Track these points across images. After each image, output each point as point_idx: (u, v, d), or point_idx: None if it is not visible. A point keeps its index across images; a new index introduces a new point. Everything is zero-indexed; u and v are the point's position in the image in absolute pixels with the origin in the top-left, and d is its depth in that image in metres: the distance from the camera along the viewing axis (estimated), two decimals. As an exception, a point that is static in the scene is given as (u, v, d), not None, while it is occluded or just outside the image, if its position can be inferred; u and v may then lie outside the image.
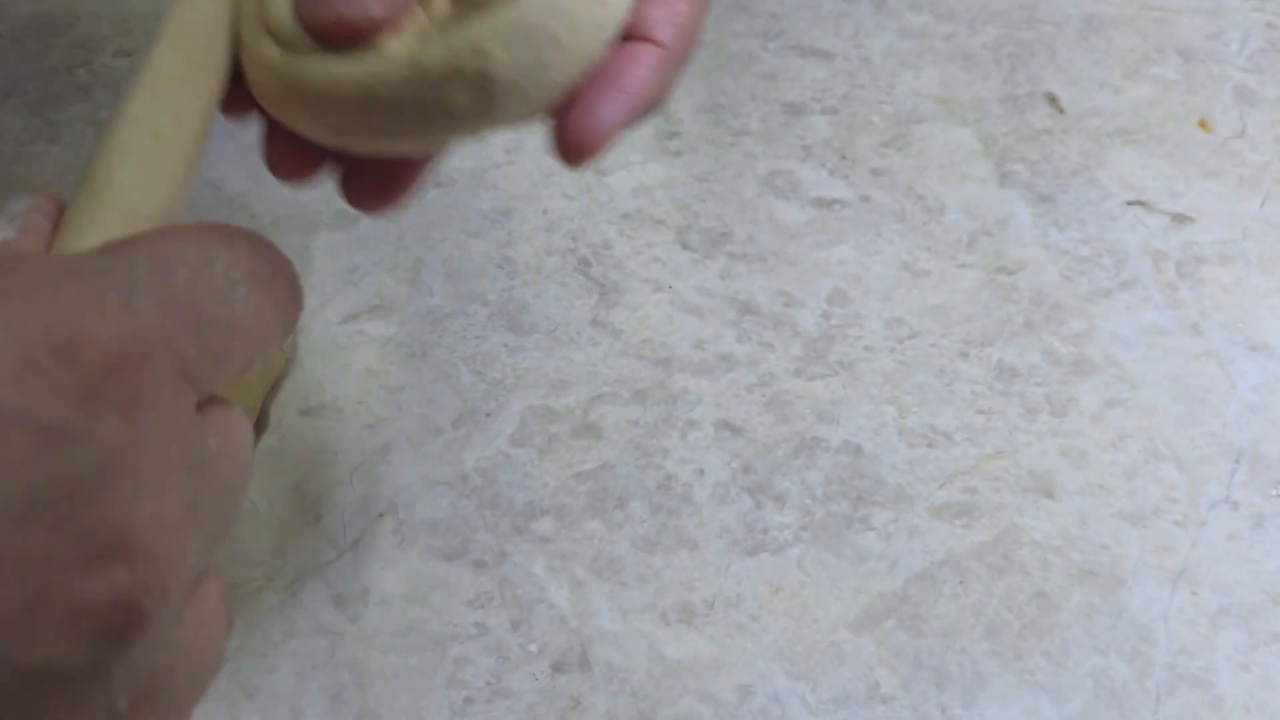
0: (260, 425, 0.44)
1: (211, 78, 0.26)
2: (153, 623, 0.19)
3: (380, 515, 0.42)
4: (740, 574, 0.41)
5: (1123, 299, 0.48)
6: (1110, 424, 0.45)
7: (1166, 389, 0.46)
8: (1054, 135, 0.53)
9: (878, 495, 0.43)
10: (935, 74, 0.55)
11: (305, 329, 0.48)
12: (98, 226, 0.23)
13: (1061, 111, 0.54)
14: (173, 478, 0.19)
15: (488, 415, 0.45)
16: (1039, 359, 0.46)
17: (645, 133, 0.53)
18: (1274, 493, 0.43)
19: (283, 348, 0.46)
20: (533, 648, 0.40)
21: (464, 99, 0.25)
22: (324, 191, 0.50)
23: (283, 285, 0.23)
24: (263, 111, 0.27)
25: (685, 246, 0.50)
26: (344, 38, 0.25)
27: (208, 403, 0.21)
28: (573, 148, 0.26)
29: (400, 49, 0.25)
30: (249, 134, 0.53)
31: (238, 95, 0.27)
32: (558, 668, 0.39)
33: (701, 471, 0.43)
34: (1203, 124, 0.53)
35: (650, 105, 0.27)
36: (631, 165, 0.52)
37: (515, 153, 0.53)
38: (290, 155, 0.28)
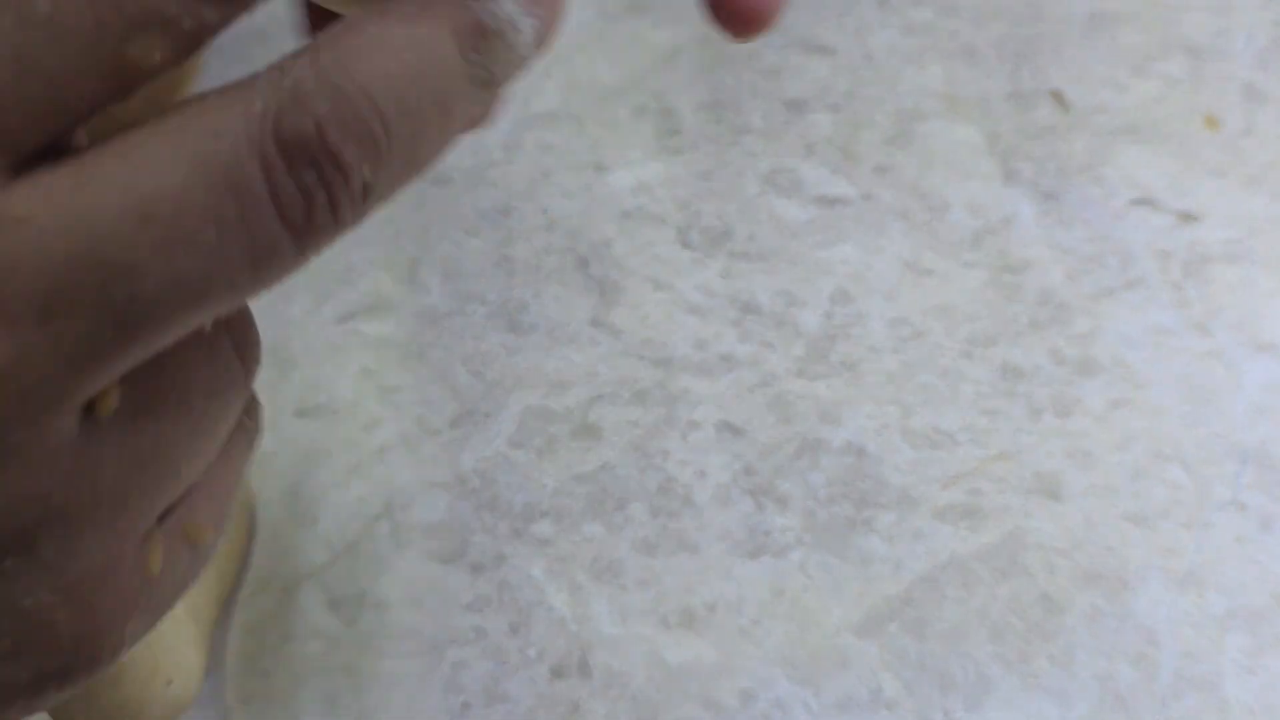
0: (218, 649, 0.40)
1: None
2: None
3: (376, 517, 0.42)
4: (742, 577, 0.41)
5: (1128, 298, 0.48)
6: (1116, 425, 0.45)
7: (1173, 389, 0.46)
8: (1059, 133, 0.53)
9: (881, 497, 0.43)
10: (939, 71, 0.55)
11: (300, 331, 0.48)
12: None
13: (1066, 109, 0.54)
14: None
15: (486, 416, 0.45)
16: (1044, 359, 0.46)
17: (645, 130, 0.53)
18: (1282, 495, 0.43)
19: (238, 545, 0.41)
20: (531, 652, 0.40)
21: None
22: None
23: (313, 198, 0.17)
24: None
25: (686, 245, 0.50)
26: None
27: (58, 162, 0.16)
28: (748, 13, 0.22)
29: None
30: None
31: None
32: (557, 672, 0.39)
33: (702, 473, 0.43)
34: (1209, 121, 0.53)
35: None
36: (631, 163, 0.52)
37: (514, 150, 0.53)
38: None
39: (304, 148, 0.16)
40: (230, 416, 0.19)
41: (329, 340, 0.47)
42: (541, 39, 0.19)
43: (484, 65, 0.17)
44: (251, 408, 0.21)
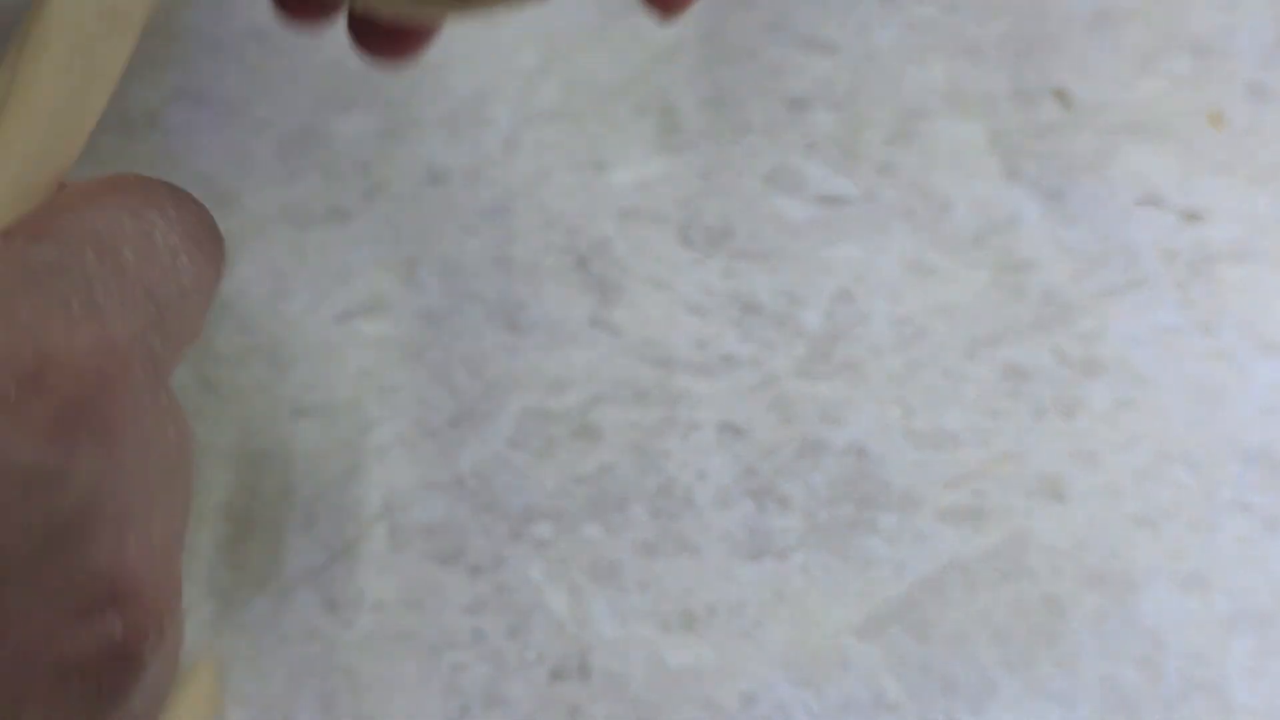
0: None
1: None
2: (149, 665, 0.17)
3: (374, 518, 0.42)
4: (743, 579, 0.41)
5: (1133, 298, 0.48)
6: (1120, 425, 0.45)
7: (1178, 390, 0.46)
8: (1063, 131, 0.53)
9: (883, 498, 0.43)
10: (942, 68, 0.55)
11: (297, 330, 0.48)
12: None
13: (1070, 107, 0.54)
14: (156, 499, 0.18)
15: (485, 416, 0.45)
16: (1048, 359, 0.46)
17: (645, 128, 0.53)
18: (1289, 496, 0.43)
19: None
20: (530, 654, 0.40)
21: None
22: (317, 187, 0.50)
23: (209, 236, 0.21)
24: None
25: (686, 244, 0.50)
26: None
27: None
28: None
29: None
30: (241, 130, 0.53)
31: None
32: (556, 675, 0.39)
33: (703, 474, 0.43)
34: (1214, 119, 0.53)
35: None
36: (631, 161, 0.52)
37: (513, 149, 0.53)
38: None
39: None
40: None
41: (326, 340, 0.47)
42: None
43: None
44: None
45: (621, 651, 0.40)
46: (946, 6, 0.58)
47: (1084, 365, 0.46)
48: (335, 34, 0.38)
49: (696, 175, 0.52)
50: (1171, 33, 0.56)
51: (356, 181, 0.51)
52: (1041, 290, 0.48)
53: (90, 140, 0.25)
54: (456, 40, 0.56)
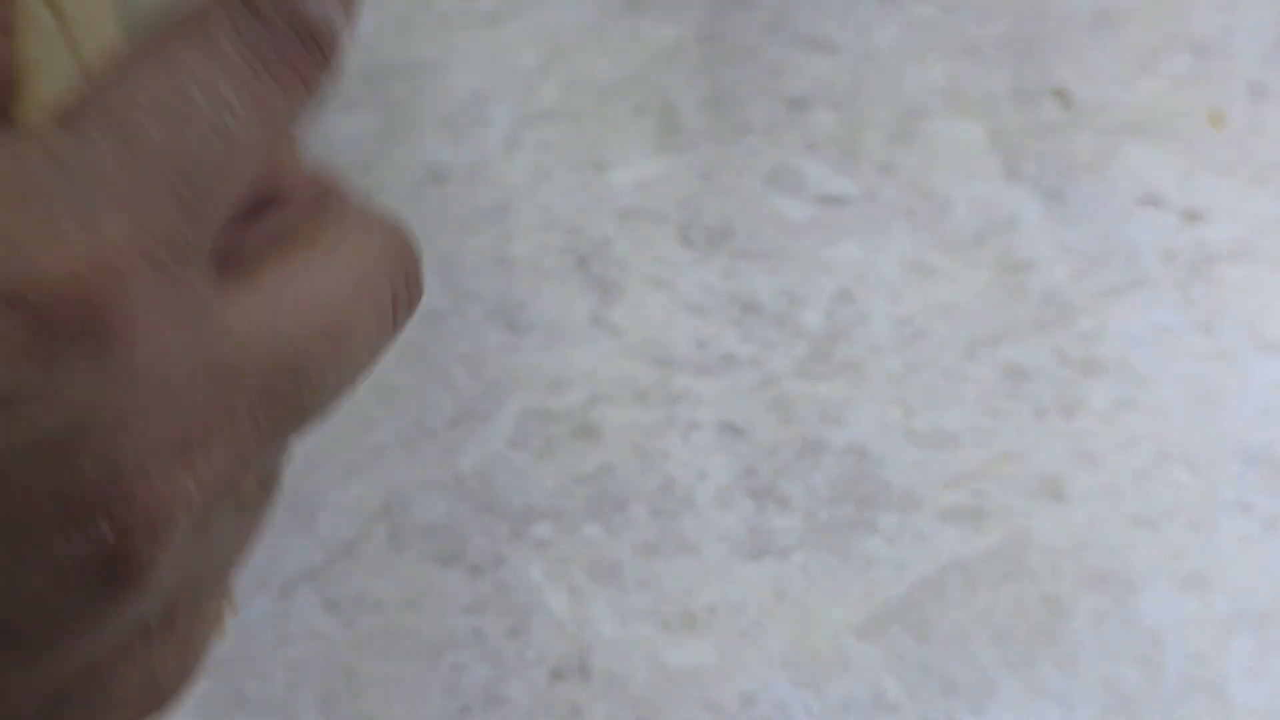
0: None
1: None
2: (160, 563, 0.17)
3: (374, 518, 0.42)
4: (743, 579, 0.41)
5: (1133, 298, 0.48)
6: (1120, 425, 0.45)
7: (1178, 389, 0.46)
8: (1063, 130, 0.53)
9: (883, 498, 0.43)
10: (942, 68, 0.55)
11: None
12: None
13: (1070, 107, 0.54)
14: (170, 399, 0.17)
15: (484, 416, 0.45)
16: (1048, 359, 0.46)
17: (645, 128, 0.53)
18: (1289, 496, 0.43)
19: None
20: (530, 655, 0.40)
21: None
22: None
23: (281, 39, 0.18)
24: None
25: (686, 244, 0.50)
26: None
27: (254, 274, 0.18)
28: None
29: None
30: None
31: None
32: (556, 675, 0.39)
33: (703, 474, 0.43)
34: (1214, 119, 0.53)
35: None
36: (631, 161, 0.52)
37: (513, 148, 0.53)
38: None
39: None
40: (377, 359, 0.22)
41: (327, 339, 0.47)
42: None
43: None
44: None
45: (622, 651, 0.40)
46: (946, 6, 0.58)
47: (1084, 365, 0.46)
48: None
49: (696, 175, 0.52)
50: (1172, 33, 0.56)
51: (356, 181, 0.51)
52: (1042, 290, 0.48)
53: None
54: (457, 40, 0.56)
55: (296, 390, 0.18)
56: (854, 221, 0.50)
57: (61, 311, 0.16)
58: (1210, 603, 0.41)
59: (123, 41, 0.20)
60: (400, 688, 0.39)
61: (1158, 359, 0.46)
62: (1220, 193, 0.51)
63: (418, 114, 0.53)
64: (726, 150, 0.53)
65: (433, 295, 0.48)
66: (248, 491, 0.20)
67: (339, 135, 0.51)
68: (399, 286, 0.21)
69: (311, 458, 0.44)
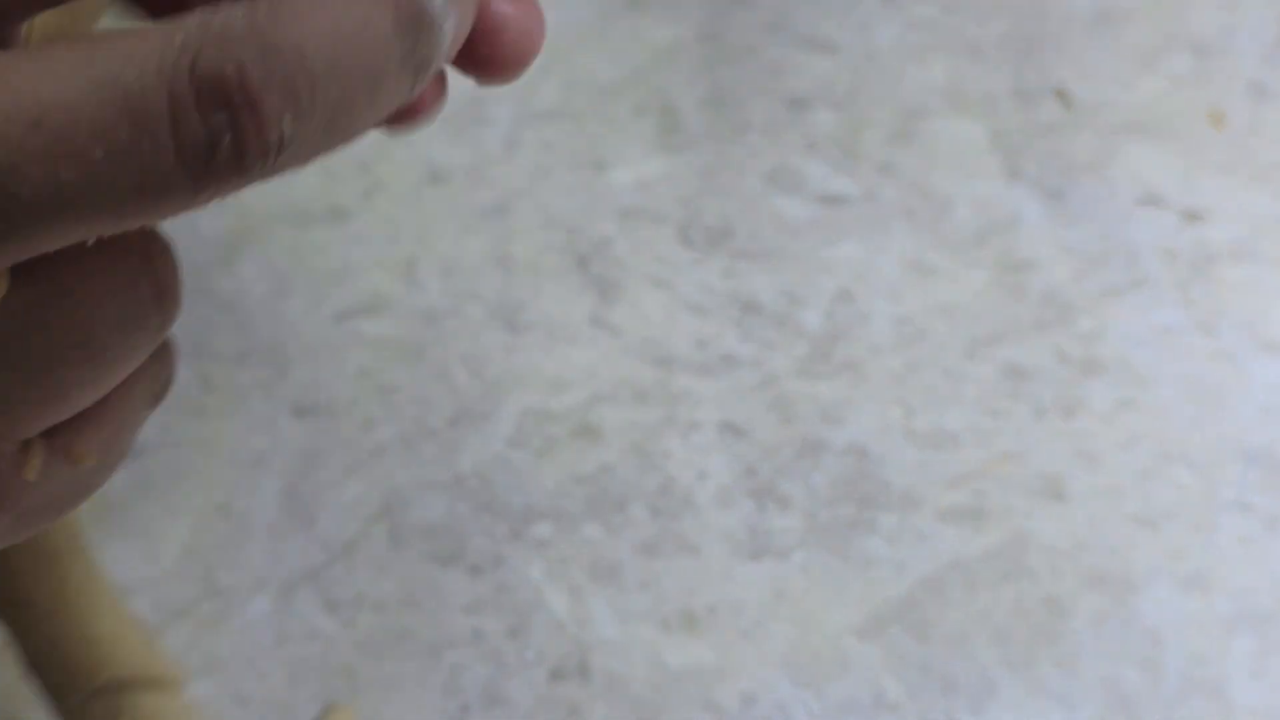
0: None
1: None
2: None
3: (374, 518, 0.42)
4: (743, 579, 0.41)
5: (1134, 298, 0.48)
6: (1121, 425, 0.44)
7: (1179, 390, 0.45)
8: (1064, 130, 0.53)
9: (883, 498, 0.43)
10: (942, 68, 0.55)
11: (297, 330, 0.47)
12: None
13: (1071, 106, 0.53)
14: None
15: (484, 416, 0.45)
16: (1048, 359, 0.46)
17: (645, 128, 0.53)
18: (1289, 496, 0.43)
19: None
20: (530, 655, 0.39)
21: None
22: (316, 187, 0.50)
23: None
24: None
25: (687, 244, 0.49)
26: None
27: None
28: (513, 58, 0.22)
29: None
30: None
31: None
32: (556, 675, 0.39)
33: (703, 474, 0.43)
34: (1214, 119, 0.53)
35: None
36: (631, 161, 0.52)
37: (513, 148, 0.53)
38: None
39: (219, 88, 0.17)
40: (135, 356, 0.19)
41: (326, 339, 0.47)
42: (457, 40, 0.19)
43: (416, 51, 0.18)
44: (164, 355, 0.22)
45: (622, 651, 0.39)
46: (947, 6, 0.58)
47: (1084, 365, 0.46)
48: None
49: (696, 175, 0.52)
50: (1172, 32, 0.56)
51: (356, 181, 0.51)
52: (1042, 290, 0.48)
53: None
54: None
55: (43, 384, 0.17)
56: (854, 221, 0.50)
57: None
58: (1211, 603, 0.41)
59: None
60: (400, 688, 0.39)
61: (1158, 359, 0.46)
62: (1220, 192, 0.51)
63: (418, 114, 0.52)
64: (726, 150, 0.52)
65: (433, 295, 0.48)
66: None
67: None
68: (166, 285, 0.19)
69: (312, 457, 0.44)
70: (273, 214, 0.51)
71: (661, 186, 0.51)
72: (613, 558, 0.41)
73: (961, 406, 0.45)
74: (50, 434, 0.20)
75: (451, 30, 0.19)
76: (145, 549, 0.42)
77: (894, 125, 0.53)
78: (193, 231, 0.52)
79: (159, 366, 0.21)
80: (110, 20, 0.21)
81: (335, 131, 0.18)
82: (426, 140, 0.52)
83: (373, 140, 0.56)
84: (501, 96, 0.53)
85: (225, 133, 0.17)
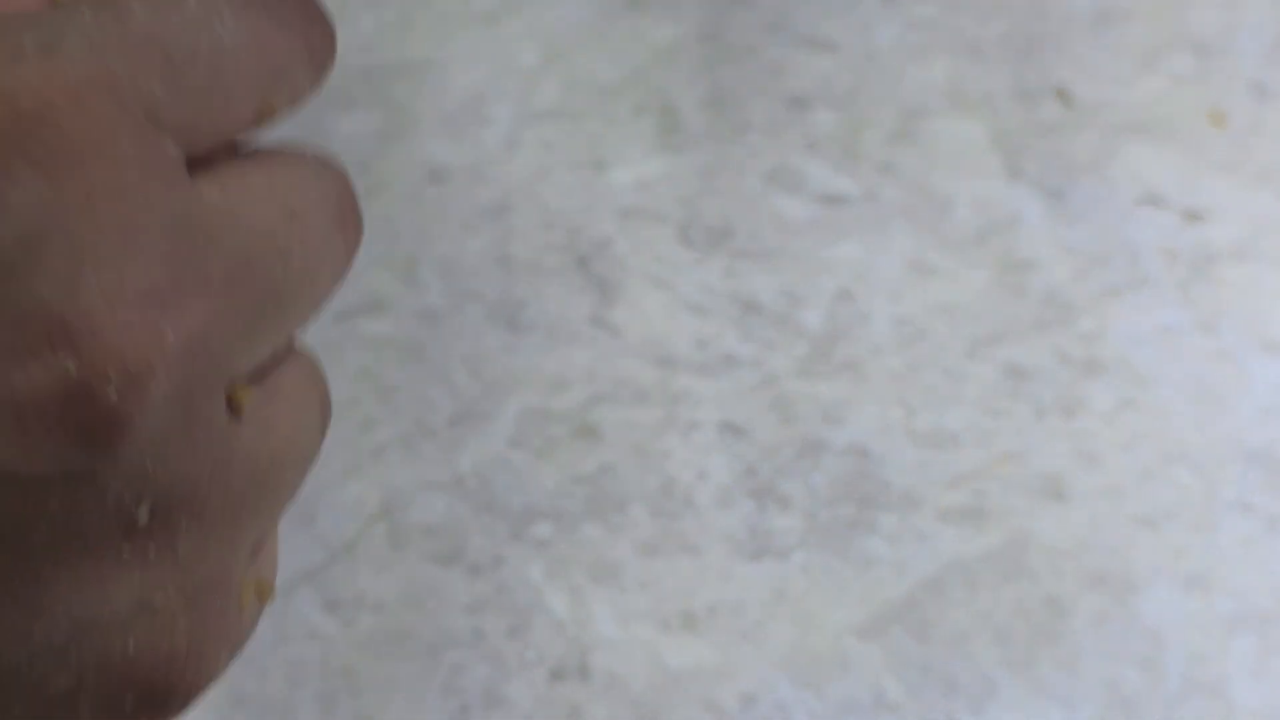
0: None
1: None
2: (137, 419, 0.16)
3: (374, 518, 0.42)
4: (743, 579, 0.41)
5: (1135, 298, 0.48)
6: (1122, 425, 0.44)
7: (1180, 390, 0.45)
8: (1064, 130, 0.53)
9: (884, 498, 0.43)
10: (943, 67, 0.55)
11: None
12: None
13: (1072, 106, 0.53)
14: (139, 242, 0.16)
15: (484, 416, 0.45)
16: (1049, 359, 0.46)
17: (645, 128, 0.53)
18: (1290, 496, 0.43)
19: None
20: (530, 654, 0.39)
21: None
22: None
23: (291, 6, 0.20)
24: None
25: (687, 243, 0.49)
26: None
27: (214, 159, 0.18)
28: None
29: None
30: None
31: None
32: (556, 675, 0.39)
33: (703, 474, 0.43)
34: (1215, 118, 0.53)
35: None
36: (631, 161, 0.52)
37: (513, 148, 0.53)
38: None
39: None
40: (306, 469, 0.20)
41: (326, 339, 0.47)
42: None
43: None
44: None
45: (622, 652, 0.39)
46: (947, 6, 0.57)
47: (1085, 365, 0.46)
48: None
49: (697, 174, 0.52)
50: (1173, 32, 0.56)
51: (357, 180, 0.51)
52: (1042, 290, 0.48)
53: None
54: (456, 39, 0.56)
55: (270, 264, 0.18)
56: (854, 221, 0.50)
57: (19, 120, 0.15)
58: (1211, 603, 0.41)
59: None
60: (400, 688, 0.39)
61: (1159, 359, 0.46)
62: (1221, 192, 0.51)
63: (418, 113, 0.52)
64: (727, 150, 0.52)
65: (433, 295, 0.48)
66: (244, 401, 0.18)
67: (339, 134, 0.51)
68: (345, 206, 0.20)
69: (311, 458, 0.44)
70: (272, 214, 0.51)
71: (662, 186, 0.51)
72: (613, 558, 0.41)
73: (962, 406, 0.45)
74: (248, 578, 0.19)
75: None
76: (145, 549, 0.42)
77: (894, 125, 0.53)
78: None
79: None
80: None
81: None
82: (426, 140, 0.52)
83: (373, 140, 0.56)
84: (501, 96, 0.53)
85: None
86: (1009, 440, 0.44)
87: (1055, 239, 0.50)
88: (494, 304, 0.48)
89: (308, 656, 0.39)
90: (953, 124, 0.53)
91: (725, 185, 0.51)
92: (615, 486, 0.43)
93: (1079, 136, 0.53)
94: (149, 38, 0.17)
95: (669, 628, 0.40)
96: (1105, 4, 0.57)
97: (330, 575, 0.41)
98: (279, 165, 0.19)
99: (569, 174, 0.52)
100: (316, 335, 0.48)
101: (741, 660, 0.39)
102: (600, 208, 0.51)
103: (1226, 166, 0.52)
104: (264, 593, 0.20)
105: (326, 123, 0.51)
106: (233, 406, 0.18)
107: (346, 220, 0.20)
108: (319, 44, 0.20)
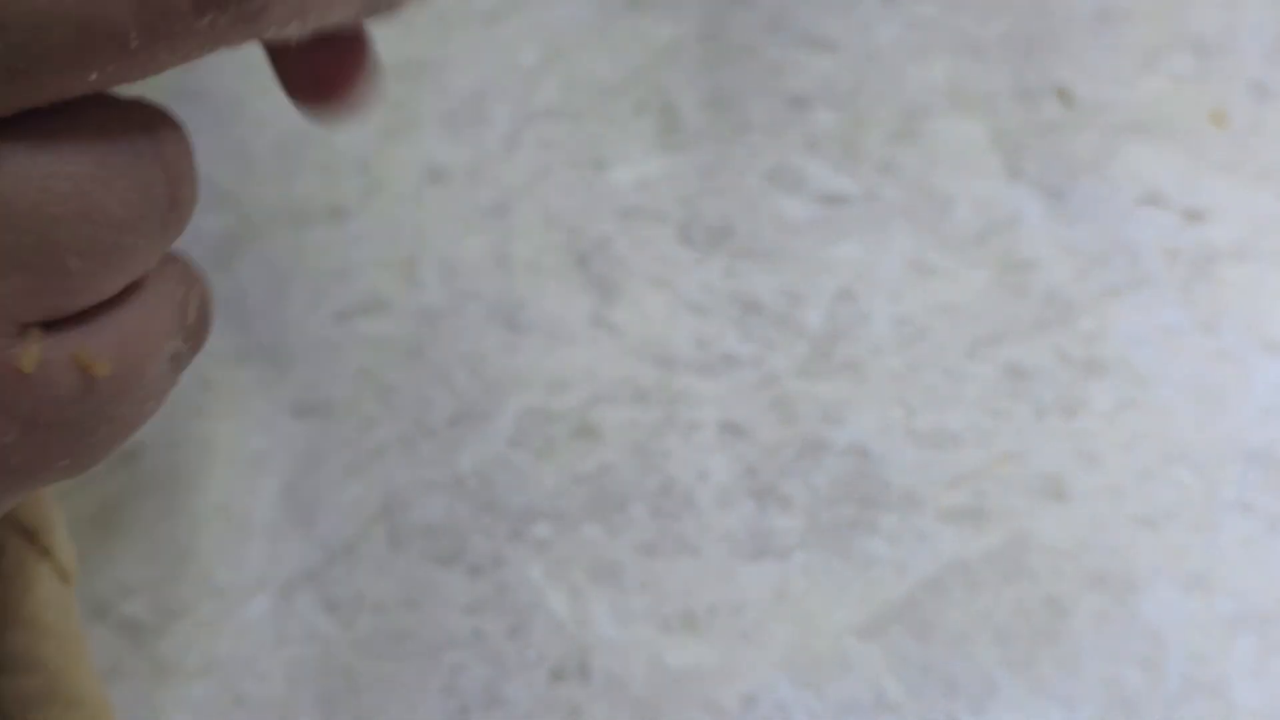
0: None
1: None
2: None
3: (374, 518, 0.42)
4: (743, 579, 0.41)
5: (1135, 298, 0.48)
6: (1122, 425, 0.44)
7: (1180, 390, 0.45)
8: (1065, 129, 0.53)
9: (884, 498, 0.43)
10: (943, 67, 0.55)
11: (297, 330, 0.47)
12: None
13: (1072, 105, 0.53)
14: None
15: (484, 416, 0.45)
16: (1050, 359, 0.46)
17: (646, 127, 0.53)
18: (1291, 496, 0.43)
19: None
20: (530, 655, 0.39)
21: None
22: (316, 186, 0.50)
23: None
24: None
25: (687, 243, 0.49)
26: None
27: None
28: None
29: None
30: (240, 129, 0.53)
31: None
32: (556, 676, 0.39)
33: (704, 474, 0.43)
34: (1216, 118, 0.53)
35: None
36: (632, 160, 0.52)
37: (513, 147, 0.53)
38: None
39: None
40: (143, 249, 0.18)
41: (326, 339, 0.47)
42: None
43: None
44: (190, 280, 0.20)
45: (622, 652, 0.39)
46: (948, 5, 0.57)
47: (1085, 365, 0.46)
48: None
49: (697, 174, 0.52)
50: (1173, 31, 0.56)
51: (356, 180, 0.50)
52: (1043, 290, 0.48)
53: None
54: (456, 39, 0.56)
55: (38, 246, 0.16)
56: (855, 221, 0.50)
57: None
58: (1212, 603, 0.41)
59: None
60: (400, 688, 0.39)
61: (1159, 359, 0.46)
62: (1222, 192, 0.51)
63: (417, 113, 0.52)
64: (727, 149, 0.52)
65: (433, 294, 0.48)
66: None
67: (338, 134, 0.51)
68: (175, 169, 0.18)
69: (311, 458, 0.44)
70: (272, 214, 0.51)
71: (662, 186, 0.51)
72: (613, 558, 0.41)
73: (962, 406, 0.45)
74: (57, 331, 0.18)
75: None
76: (144, 549, 0.42)
77: (895, 124, 0.53)
78: (192, 231, 0.52)
79: (185, 290, 0.20)
80: None
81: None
82: (426, 140, 0.52)
83: (372, 140, 0.56)
84: (501, 96, 0.53)
85: None
86: (1009, 440, 0.44)
87: (1055, 239, 0.50)
88: (494, 304, 0.48)
89: (308, 656, 0.39)
90: (953, 124, 0.53)
91: (725, 185, 0.51)
92: (615, 486, 0.43)
93: (1079, 136, 0.53)
94: None
95: (669, 628, 0.40)
96: (1106, 4, 0.57)
97: (330, 575, 0.41)
98: (77, 132, 0.17)
99: (569, 173, 0.52)
100: (317, 335, 0.48)
101: (741, 660, 0.39)
102: (600, 207, 0.51)
103: (1227, 166, 0.52)
104: (87, 366, 0.18)
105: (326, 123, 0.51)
106: None
107: (177, 183, 0.18)
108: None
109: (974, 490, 0.43)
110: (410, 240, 0.50)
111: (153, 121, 0.19)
